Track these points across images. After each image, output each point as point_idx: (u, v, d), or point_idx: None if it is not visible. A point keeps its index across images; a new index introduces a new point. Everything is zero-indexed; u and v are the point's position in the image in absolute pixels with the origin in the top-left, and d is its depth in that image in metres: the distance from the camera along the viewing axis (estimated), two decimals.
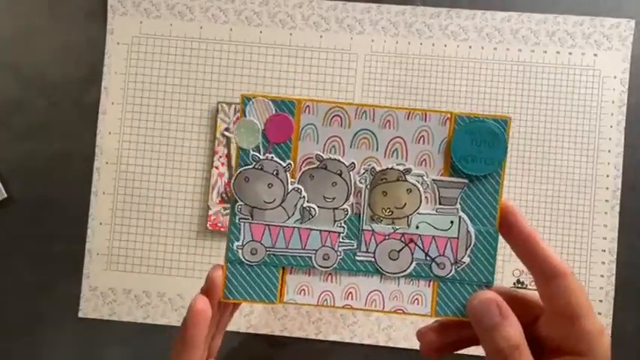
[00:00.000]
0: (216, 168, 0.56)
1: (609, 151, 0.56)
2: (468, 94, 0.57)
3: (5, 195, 0.57)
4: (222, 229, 0.56)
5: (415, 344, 0.55)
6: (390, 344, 0.56)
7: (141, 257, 0.57)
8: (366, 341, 0.56)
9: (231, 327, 0.53)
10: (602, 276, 0.56)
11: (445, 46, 0.57)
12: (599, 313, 0.55)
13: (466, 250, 0.29)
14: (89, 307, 0.57)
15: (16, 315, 0.57)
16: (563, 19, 0.57)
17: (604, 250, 0.56)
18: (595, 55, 0.57)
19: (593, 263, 0.56)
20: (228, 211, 0.56)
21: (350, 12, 0.57)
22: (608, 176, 0.56)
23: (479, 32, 0.57)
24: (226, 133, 0.57)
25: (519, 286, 0.56)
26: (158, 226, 0.57)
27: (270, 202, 0.28)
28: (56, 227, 0.57)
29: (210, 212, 0.56)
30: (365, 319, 0.56)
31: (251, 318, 0.56)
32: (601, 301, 0.56)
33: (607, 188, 0.56)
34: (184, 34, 0.58)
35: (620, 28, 0.57)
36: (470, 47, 0.57)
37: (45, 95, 0.58)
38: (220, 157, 0.56)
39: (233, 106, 0.57)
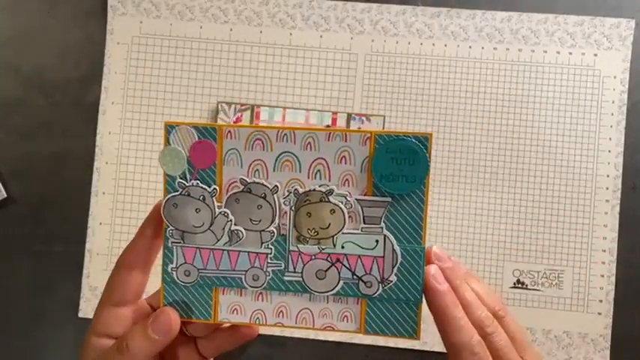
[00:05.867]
0: None
1: (609, 151, 0.56)
2: (467, 94, 0.57)
3: (5, 195, 0.57)
4: None
5: (415, 345, 0.55)
6: (390, 344, 0.56)
7: None
8: (366, 341, 0.56)
9: None
10: (602, 276, 0.56)
11: (445, 46, 0.57)
12: (599, 313, 0.55)
13: (392, 268, 0.29)
14: (89, 307, 0.57)
15: (17, 315, 0.57)
16: (563, 19, 0.57)
17: (604, 250, 0.56)
18: (595, 55, 0.57)
19: (593, 263, 0.56)
20: None
21: (350, 12, 0.57)
22: (608, 176, 0.56)
23: (479, 32, 0.57)
24: None
25: (519, 286, 0.56)
26: None
27: (199, 227, 0.29)
28: (56, 227, 0.57)
29: None
30: None
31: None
32: (601, 301, 0.56)
33: (607, 188, 0.56)
34: (184, 34, 0.58)
35: (620, 28, 0.57)
36: (470, 47, 0.57)
37: (45, 95, 0.58)
38: None
39: (233, 106, 0.57)
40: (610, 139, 0.56)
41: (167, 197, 0.29)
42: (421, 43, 0.57)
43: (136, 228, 0.56)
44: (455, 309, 0.28)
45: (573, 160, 0.56)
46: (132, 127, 0.57)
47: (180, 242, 0.30)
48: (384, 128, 0.57)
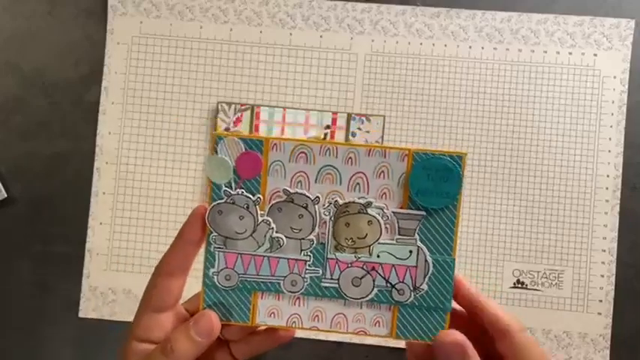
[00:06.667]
0: None
1: (609, 151, 0.56)
2: (467, 94, 0.57)
3: (5, 195, 0.57)
4: None
5: None
6: (391, 344, 0.56)
7: (141, 257, 0.57)
8: (367, 341, 0.56)
9: None
10: (602, 276, 0.56)
11: (445, 46, 0.57)
12: (599, 313, 0.55)
13: (424, 277, 0.31)
14: (89, 307, 0.57)
15: (17, 315, 0.57)
16: (563, 19, 0.57)
17: (604, 250, 0.56)
18: (595, 55, 0.57)
19: (593, 263, 0.56)
20: None
21: (350, 12, 0.57)
22: (608, 176, 0.56)
23: (479, 32, 0.57)
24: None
25: (519, 286, 0.56)
26: (158, 226, 0.57)
27: (241, 233, 0.31)
28: (56, 227, 0.57)
29: None
30: None
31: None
32: (601, 301, 0.56)
33: (607, 188, 0.56)
34: (184, 34, 0.58)
35: (620, 28, 0.57)
36: (470, 47, 0.57)
37: (45, 95, 0.58)
38: None
39: (233, 106, 0.57)
40: (610, 139, 0.56)
41: (212, 204, 0.31)
42: (421, 43, 0.57)
43: (135, 228, 0.57)
44: (485, 296, 0.31)
45: (573, 160, 0.56)
46: (132, 127, 0.57)
47: (222, 248, 0.31)
48: (383, 128, 0.57)
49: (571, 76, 0.57)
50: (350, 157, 0.30)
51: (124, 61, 0.58)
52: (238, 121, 0.57)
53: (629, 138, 0.56)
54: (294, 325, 0.31)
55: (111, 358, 0.56)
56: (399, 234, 0.31)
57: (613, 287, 0.56)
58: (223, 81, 0.57)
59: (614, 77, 0.57)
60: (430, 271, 0.31)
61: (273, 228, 0.31)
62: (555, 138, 0.57)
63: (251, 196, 0.30)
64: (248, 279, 0.31)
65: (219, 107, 0.57)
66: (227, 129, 0.57)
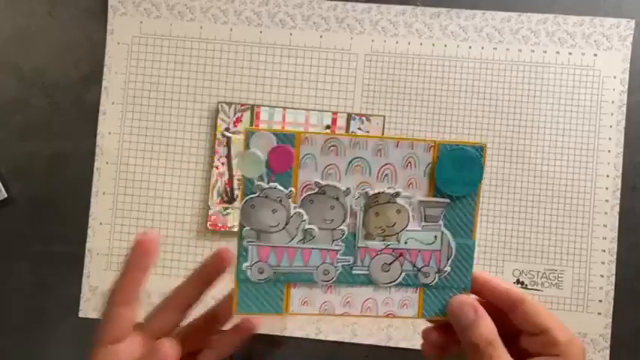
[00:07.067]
0: (217, 168, 0.56)
1: (609, 151, 0.56)
2: (467, 94, 0.57)
3: (5, 195, 0.57)
4: (222, 229, 0.56)
5: (415, 344, 0.55)
6: (391, 344, 0.56)
7: None
8: (366, 341, 0.56)
9: None
10: (602, 276, 0.56)
11: (445, 46, 0.57)
12: (599, 313, 0.55)
13: (447, 260, 0.32)
14: (89, 307, 0.57)
15: (17, 315, 0.57)
16: (563, 19, 0.57)
17: (604, 250, 0.56)
18: (595, 55, 0.57)
19: (593, 263, 0.56)
20: (228, 211, 0.56)
21: (350, 12, 0.57)
22: (608, 176, 0.56)
23: (479, 32, 0.57)
24: (226, 133, 0.57)
25: (519, 286, 0.56)
26: (158, 226, 0.57)
27: (274, 226, 0.31)
28: (56, 227, 0.57)
29: (210, 212, 0.56)
30: (365, 319, 0.56)
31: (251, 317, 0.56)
32: (601, 301, 0.56)
33: (607, 188, 0.56)
34: (184, 34, 0.58)
35: (620, 28, 0.57)
36: (470, 47, 0.57)
37: (45, 95, 0.58)
38: (220, 157, 0.57)
39: (233, 106, 0.57)
40: (610, 139, 0.56)
41: (245, 199, 0.31)
42: (421, 43, 0.57)
43: (135, 228, 0.57)
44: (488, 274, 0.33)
45: (573, 160, 0.56)
46: (132, 127, 0.57)
47: (255, 241, 0.31)
48: (383, 128, 0.57)
49: (571, 76, 0.57)
50: (379, 150, 0.31)
51: (124, 61, 0.58)
52: (238, 121, 0.57)
53: (628, 138, 0.56)
54: (326, 312, 0.32)
55: None
56: (425, 221, 0.32)
57: (613, 287, 0.56)
58: (223, 81, 0.57)
59: (614, 77, 0.57)
60: (453, 254, 0.32)
61: (305, 220, 0.31)
62: (555, 138, 0.57)
63: (283, 189, 0.31)
64: (281, 270, 0.32)
65: (219, 107, 0.57)
66: (227, 129, 0.57)
